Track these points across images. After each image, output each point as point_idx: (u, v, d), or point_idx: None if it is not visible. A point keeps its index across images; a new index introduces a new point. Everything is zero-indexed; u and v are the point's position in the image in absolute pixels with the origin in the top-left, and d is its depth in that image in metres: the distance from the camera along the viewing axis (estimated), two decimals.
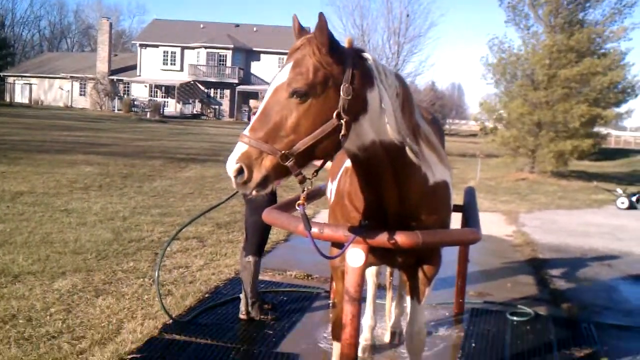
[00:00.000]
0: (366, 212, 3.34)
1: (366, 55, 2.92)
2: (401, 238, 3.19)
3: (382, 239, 3.22)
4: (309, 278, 7.29)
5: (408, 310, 3.88)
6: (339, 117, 2.69)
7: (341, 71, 2.72)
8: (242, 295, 5.81)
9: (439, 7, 76.75)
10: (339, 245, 3.43)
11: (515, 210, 14.40)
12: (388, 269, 5.77)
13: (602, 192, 18.14)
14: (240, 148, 2.62)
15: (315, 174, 2.86)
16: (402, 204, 3.23)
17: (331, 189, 3.94)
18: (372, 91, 2.85)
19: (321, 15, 2.65)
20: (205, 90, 64.13)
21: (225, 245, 8.56)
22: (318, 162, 2.89)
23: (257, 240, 5.74)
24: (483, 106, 24.36)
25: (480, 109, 24.65)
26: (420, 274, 3.66)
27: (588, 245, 10.46)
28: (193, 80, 63.30)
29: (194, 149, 25.78)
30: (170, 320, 5.46)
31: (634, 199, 15.59)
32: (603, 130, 24.70)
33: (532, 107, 21.95)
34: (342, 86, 2.70)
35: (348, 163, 3.43)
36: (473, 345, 5.48)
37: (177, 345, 5.04)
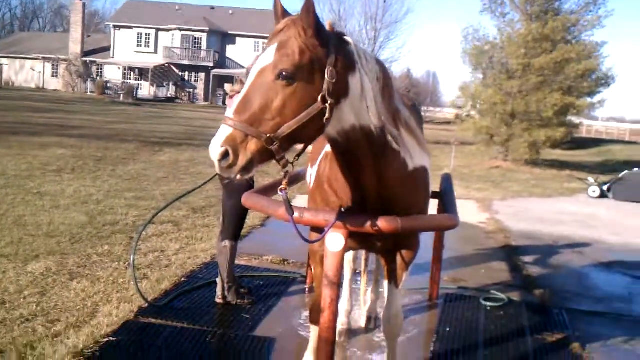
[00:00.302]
0: (346, 197, 3.35)
1: (347, 39, 2.92)
2: (381, 223, 3.21)
3: (361, 224, 3.25)
4: (285, 263, 7.30)
5: (385, 294, 3.91)
6: (324, 100, 2.69)
7: (325, 54, 2.71)
8: (218, 280, 5.80)
9: None
10: (319, 229, 3.44)
11: (488, 197, 14.55)
12: (363, 254, 5.81)
13: (574, 181, 18.43)
14: (225, 131, 2.57)
15: (296, 158, 2.85)
16: (381, 189, 3.24)
17: (311, 174, 3.94)
18: (354, 75, 2.85)
19: None
20: (180, 74, 63.52)
21: (200, 230, 8.52)
22: (299, 147, 2.88)
23: (234, 224, 5.72)
24: (463, 91, 24.46)
25: (460, 94, 24.76)
26: (399, 259, 3.69)
27: (560, 233, 10.62)
28: (167, 63, 62.61)
29: (168, 132, 25.56)
30: (146, 304, 5.43)
31: (605, 187, 15.85)
32: (576, 119, 24.99)
33: (506, 97, 22.10)
34: (326, 69, 2.69)
35: (328, 148, 3.43)
36: (447, 330, 5.54)
37: (153, 328, 5.02)
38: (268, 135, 2.59)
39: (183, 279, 6.33)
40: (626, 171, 15.99)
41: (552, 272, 7.86)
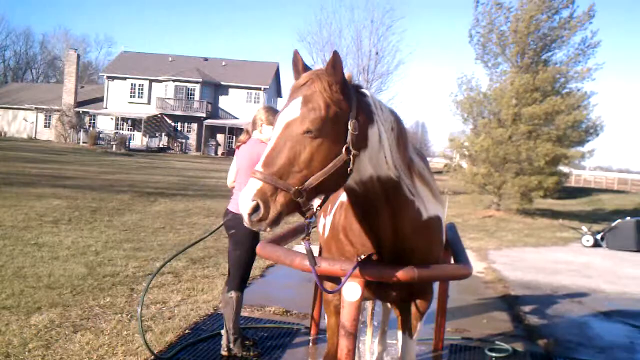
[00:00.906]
0: (361, 246, 3.39)
1: (365, 91, 3.03)
2: (397, 272, 3.27)
3: (378, 273, 3.29)
4: (288, 314, 7.28)
5: (399, 345, 3.92)
6: (347, 151, 2.77)
7: (348, 107, 2.81)
8: (223, 331, 5.78)
9: (407, 46, 77.75)
10: (333, 279, 3.48)
11: (484, 247, 14.60)
12: (370, 305, 5.82)
13: (566, 230, 18.54)
14: (255, 184, 2.63)
15: (319, 207, 2.92)
16: (396, 238, 3.30)
17: (324, 223, 3.99)
18: (372, 127, 2.94)
19: (336, 53, 2.75)
20: (173, 124, 63.91)
21: (201, 281, 8.50)
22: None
23: (240, 275, 5.72)
24: (453, 143, 24.73)
25: (449, 146, 25.03)
26: (413, 309, 3.72)
27: (557, 282, 10.66)
28: (160, 114, 63.06)
29: (162, 182, 25.62)
30: (152, 357, 5.39)
31: (598, 236, 15.97)
32: (566, 169, 25.23)
33: (497, 144, 22.32)
34: (350, 122, 2.79)
35: (342, 197, 3.50)
36: None
37: None
38: (296, 187, 2.65)
39: (187, 331, 6.29)
40: (619, 220, 16.13)
41: (553, 322, 7.86)
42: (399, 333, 3.86)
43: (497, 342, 6.58)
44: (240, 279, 5.70)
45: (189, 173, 33.82)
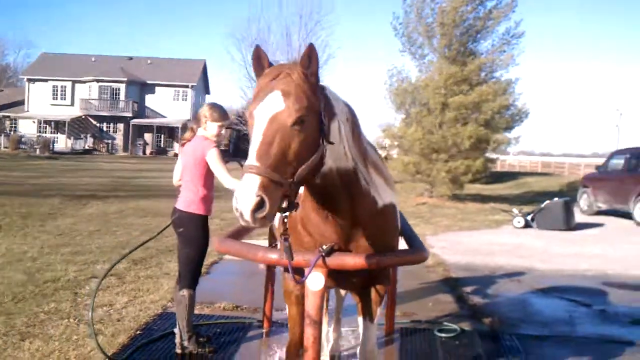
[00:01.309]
0: (319, 237, 3.44)
1: (323, 84, 3.07)
2: (359, 260, 3.34)
3: (340, 262, 3.36)
4: (238, 309, 7.27)
5: (360, 330, 4.00)
6: (323, 142, 2.82)
7: (318, 100, 2.84)
8: (176, 330, 5.73)
9: (336, 40, 77.85)
10: (295, 270, 3.52)
11: (421, 233, 14.71)
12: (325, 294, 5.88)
13: (498, 213, 19.15)
14: (254, 179, 2.55)
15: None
16: (354, 227, 3.37)
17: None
18: (334, 119, 3.00)
19: (312, 45, 2.78)
20: (98, 125, 62.41)
21: (145, 282, 8.37)
22: None
23: (191, 273, 5.67)
24: (387, 132, 25.04)
25: (384, 136, 25.31)
26: (373, 294, 3.81)
27: (494, 263, 11.03)
28: (85, 115, 61.43)
29: (92, 184, 24.98)
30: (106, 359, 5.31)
31: (529, 218, 16.58)
32: (493, 155, 25.94)
33: (426, 132, 22.73)
34: (321, 113, 2.83)
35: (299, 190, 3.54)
36: None
37: None
38: (289, 180, 2.66)
39: (138, 332, 6.19)
40: (547, 201, 16.77)
41: (495, 301, 8.15)
42: (360, 319, 3.94)
43: (445, 323, 6.78)
44: (191, 277, 5.64)
45: (118, 174, 33.11)
